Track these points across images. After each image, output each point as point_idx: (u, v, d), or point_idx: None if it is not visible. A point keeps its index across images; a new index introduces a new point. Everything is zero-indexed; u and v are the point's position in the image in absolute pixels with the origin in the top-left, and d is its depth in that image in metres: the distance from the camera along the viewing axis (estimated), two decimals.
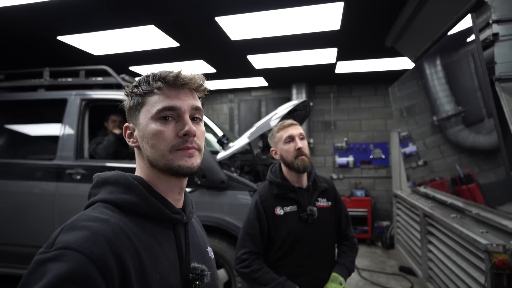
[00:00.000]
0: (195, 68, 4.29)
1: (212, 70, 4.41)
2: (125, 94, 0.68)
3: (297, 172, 1.37)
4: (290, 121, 1.42)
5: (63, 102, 2.66)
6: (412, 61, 3.09)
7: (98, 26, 2.89)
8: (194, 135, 0.63)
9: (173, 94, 0.64)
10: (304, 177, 1.42)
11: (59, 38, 3.10)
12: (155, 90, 0.64)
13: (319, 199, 1.42)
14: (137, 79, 0.68)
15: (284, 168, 1.43)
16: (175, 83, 0.64)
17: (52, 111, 2.78)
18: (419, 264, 2.78)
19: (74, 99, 2.65)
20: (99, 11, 2.59)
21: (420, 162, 3.09)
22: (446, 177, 2.65)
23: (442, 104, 2.43)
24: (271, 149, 1.46)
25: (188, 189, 2.37)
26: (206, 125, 3.50)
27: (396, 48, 3.13)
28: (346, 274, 1.38)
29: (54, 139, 2.63)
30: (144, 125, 0.63)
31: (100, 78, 2.78)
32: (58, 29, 2.94)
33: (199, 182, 2.34)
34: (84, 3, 2.41)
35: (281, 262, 1.34)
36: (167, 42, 3.25)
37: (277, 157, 1.43)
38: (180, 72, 0.64)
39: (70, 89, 2.79)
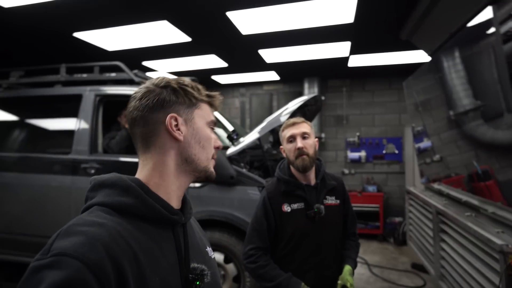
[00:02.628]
0: (207, 62, 4.30)
1: (224, 64, 4.41)
2: (172, 87, 0.67)
3: (298, 172, 1.38)
4: (293, 119, 1.42)
5: (78, 98, 2.73)
6: (429, 55, 3.00)
7: (112, 22, 2.93)
8: None
9: (212, 111, 0.75)
10: (312, 174, 1.42)
11: (75, 34, 3.17)
12: (205, 103, 0.72)
13: (327, 197, 1.42)
14: (185, 81, 0.71)
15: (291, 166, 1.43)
16: (217, 106, 0.75)
17: (69, 106, 2.85)
18: (431, 262, 2.74)
19: (88, 94, 2.72)
20: (113, 7, 2.62)
21: (435, 158, 3.01)
22: (462, 174, 2.58)
23: (459, 98, 2.36)
24: (280, 147, 1.47)
25: (197, 184, 2.41)
26: (217, 119, 3.52)
27: (412, 41, 3.04)
28: (354, 268, 1.40)
29: (70, 134, 2.71)
30: (201, 126, 0.70)
31: (113, 74, 2.82)
32: (74, 25, 3.00)
33: None
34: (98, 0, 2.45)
35: (287, 259, 1.35)
36: (180, 37, 3.26)
37: (284, 155, 1.44)
38: (220, 100, 0.76)
39: (85, 84, 2.85)
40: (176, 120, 0.66)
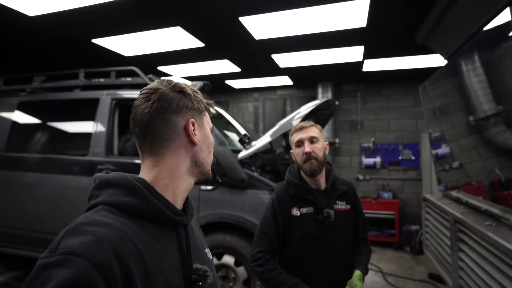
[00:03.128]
0: (220, 67, 4.35)
1: (237, 69, 4.45)
2: (188, 93, 0.70)
3: (307, 176, 1.37)
4: (301, 124, 1.41)
5: (95, 101, 2.82)
6: (445, 58, 2.92)
7: (128, 29, 3.02)
8: None
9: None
10: (322, 179, 1.40)
11: (94, 40, 3.28)
12: (207, 110, 0.75)
13: (337, 201, 1.39)
14: (193, 86, 0.74)
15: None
16: (211, 114, 0.77)
17: (87, 110, 2.94)
18: (449, 272, 2.64)
19: (105, 98, 2.80)
20: (129, 14, 2.70)
21: (455, 165, 2.91)
22: (483, 182, 2.48)
23: (480, 103, 2.28)
24: (291, 151, 1.46)
25: (209, 187, 2.42)
26: (229, 124, 3.54)
27: (428, 45, 2.97)
28: (365, 274, 1.36)
29: (88, 136, 2.79)
30: (208, 133, 0.74)
31: (129, 78, 2.90)
32: (92, 32, 3.11)
33: (220, 180, 2.37)
34: (115, 7, 2.53)
35: (296, 263, 1.33)
36: (193, 42, 3.32)
37: (294, 159, 1.43)
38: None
39: (102, 89, 2.94)
40: (193, 125, 0.69)
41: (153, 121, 0.65)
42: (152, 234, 0.60)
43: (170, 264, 0.61)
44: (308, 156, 1.33)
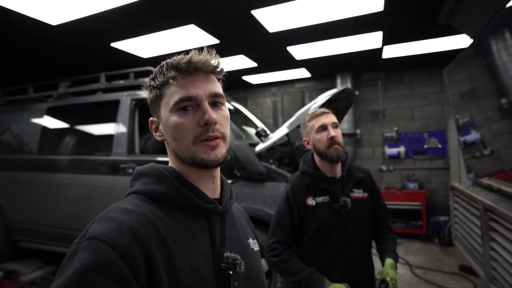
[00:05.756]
0: (236, 63, 4.36)
1: (253, 64, 4.44)
2: (145, 88, 0.68)
3: (331, 162, 1.33)
4: (322, 109, 1.37)
5: (116, 103, 2.92)
6: (471, 37, 2.75)
7: (144, 30, 3.10)
8: (215, 123, 0.61)
9: (188, 83, 0.62)
10: (338, 167, 1.37)
11: (112, 44, 3.40)
12: (170, 81, 0.63)
13: (354, 189, 1.36)
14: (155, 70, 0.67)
15: (316, 158, 1.39)
16: (188, 70, 0.62)
17: (109, 111, 3.06)
18: (480, 263, 2.51)
19: (125, 99, 2.89)
20: (144, 16, 2.77)
21: (486, 152, 2.76)
22: None
23: None
24: (303, 139, 1.43)
25: (229, 181, 2.45)
26: (249, 120, 3.55)
27: (452, 25, 2.81)
28: (396, 261, 1.32)
29: (111, 137, 2.91)
30: (165, 118, 0.63)
31: (147, 79, 2.98)
32: (111, 36, 3.22)
33: (238, 174, 2.39)
34: (131, 10, 2.60)
35: (313, 253, 1.31)
36: (208, 39, 3.35)
37: (309, 147, 1.40)
38: (191, 56, 0.62)
39: (122, 90, 3.05)
40: (154, 122, 0.68)
41: None
42: (180, 222, 0.60)
43: (199, 252, 0.60)
44: (333, 141, 1.30)
